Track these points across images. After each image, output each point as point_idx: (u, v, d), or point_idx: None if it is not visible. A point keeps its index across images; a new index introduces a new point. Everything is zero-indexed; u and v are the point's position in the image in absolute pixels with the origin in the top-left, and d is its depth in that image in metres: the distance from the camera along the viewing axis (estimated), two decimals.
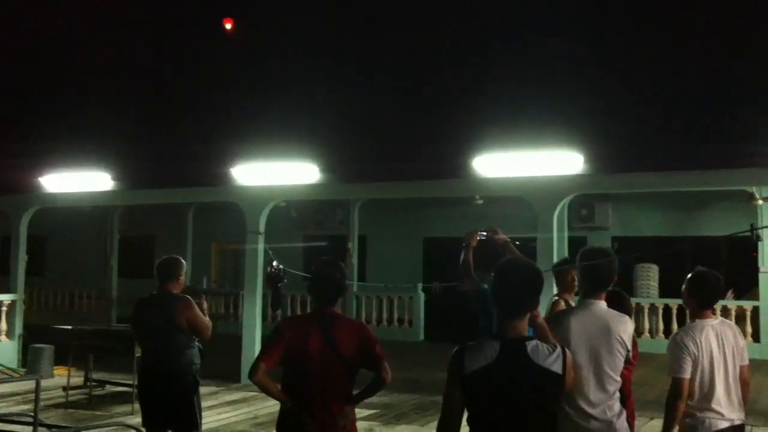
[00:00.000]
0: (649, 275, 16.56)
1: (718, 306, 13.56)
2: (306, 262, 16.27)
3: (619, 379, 4.02)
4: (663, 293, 16.08)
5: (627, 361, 4.08)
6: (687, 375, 4.43)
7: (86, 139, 13.09)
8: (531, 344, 3.29)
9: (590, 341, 3.98)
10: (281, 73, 14.22)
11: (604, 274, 4.20)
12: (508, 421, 3.24)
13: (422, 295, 17.90)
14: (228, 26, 16.61)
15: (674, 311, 15.18)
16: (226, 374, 11.58)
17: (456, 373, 3.28)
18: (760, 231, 5.99)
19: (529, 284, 3.38)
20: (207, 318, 6.02)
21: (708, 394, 4.45)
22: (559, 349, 3.33)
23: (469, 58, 13.26)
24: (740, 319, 14.64)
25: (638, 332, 14.06)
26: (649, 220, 17.64)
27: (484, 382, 3.24)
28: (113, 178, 12.97)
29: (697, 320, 4.59)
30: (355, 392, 4.39)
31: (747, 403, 4.66)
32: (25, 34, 16.98)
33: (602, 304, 4.15)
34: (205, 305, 6.24)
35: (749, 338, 14.60)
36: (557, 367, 3.24)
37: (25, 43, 16.95)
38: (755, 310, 15.00)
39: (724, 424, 4.45)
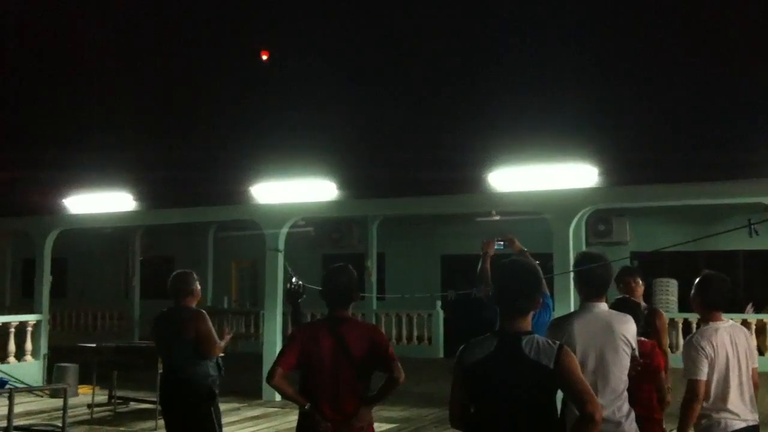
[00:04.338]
0: (668, 290, 16.50)
1: (737, 319, 13.51)
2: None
3: (626, 378, 4.07)
4: (682, 308, 16.00)
5: (633, 359, 4.14)
6: (704, 377, 4.46)
7: (109, 160, 13.34)
8: (526, 338, 3.37)
9: (595, 342, 4.05)
10: (298, 92, 14.42)
11: (602, 277, 4.28)
12: (503, 414, 3.33)
13: (441, 313, 17.90)
14: (264, 57, 16.87)
15: (694, 326, 15.08)
16: (248, 391, 11.67)
17: (458, 367, 3.45)
18: (756, 226, 6.03)
19: (525, 283, 3.49)
20: (221, 343, 6.13)
21: (723, 395, 4.48)
22: (557, 344, 3.39)
23: (484, 74, 13.39)
24: (761, 333, 14.53)
25: None
26: (667, 235, 17.56)
27: (479, 374, 3.37)
28: (135, 198, 13.20)
29: (710, 323, 4.65)
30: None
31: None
32: (49, 56, 17.31)
33: (603, 305, 4.23)
34: (228, 337, 6.42)
35: None
36: (548, 362, 3.28)
37: (50, 66, 17.28)
38: None
39: (740, 425, 4.48)
